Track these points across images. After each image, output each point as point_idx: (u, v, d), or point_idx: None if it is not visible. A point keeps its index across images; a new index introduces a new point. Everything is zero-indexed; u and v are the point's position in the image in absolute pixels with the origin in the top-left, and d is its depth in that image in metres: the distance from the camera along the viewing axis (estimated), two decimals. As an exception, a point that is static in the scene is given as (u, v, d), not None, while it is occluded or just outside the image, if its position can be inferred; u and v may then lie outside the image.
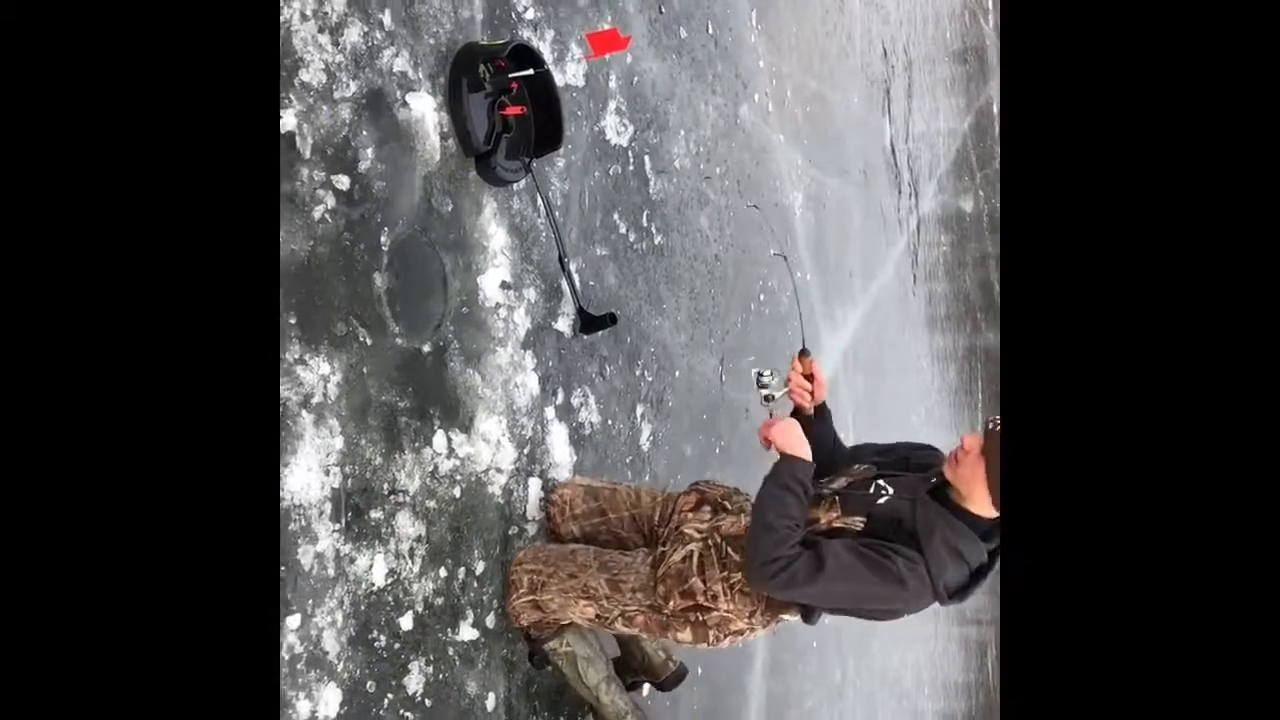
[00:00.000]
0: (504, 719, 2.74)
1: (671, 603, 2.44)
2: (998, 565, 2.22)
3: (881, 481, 2.34)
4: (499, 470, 2.74)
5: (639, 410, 3.50)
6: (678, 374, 3.80)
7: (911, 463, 2.45)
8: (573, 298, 3.03)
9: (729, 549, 2.41)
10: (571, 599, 2.58)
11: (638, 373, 3.51)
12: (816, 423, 2.54)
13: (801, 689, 5.30)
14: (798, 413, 2.55)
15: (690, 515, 2.56)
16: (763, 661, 4.68)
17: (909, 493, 2.28)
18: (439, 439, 2.52)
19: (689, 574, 2.41)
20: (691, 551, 2.43)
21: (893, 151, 7.16)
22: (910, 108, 7.92)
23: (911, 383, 7.96)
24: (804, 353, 2.54)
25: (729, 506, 2.57)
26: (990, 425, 2.14)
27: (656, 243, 3.68)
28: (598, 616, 2.56)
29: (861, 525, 2.28)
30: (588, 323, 3.10)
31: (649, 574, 2.48)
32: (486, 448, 2.69)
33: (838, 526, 2.30)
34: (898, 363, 7.21)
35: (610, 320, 3.12)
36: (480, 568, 2.65)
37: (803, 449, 2.33)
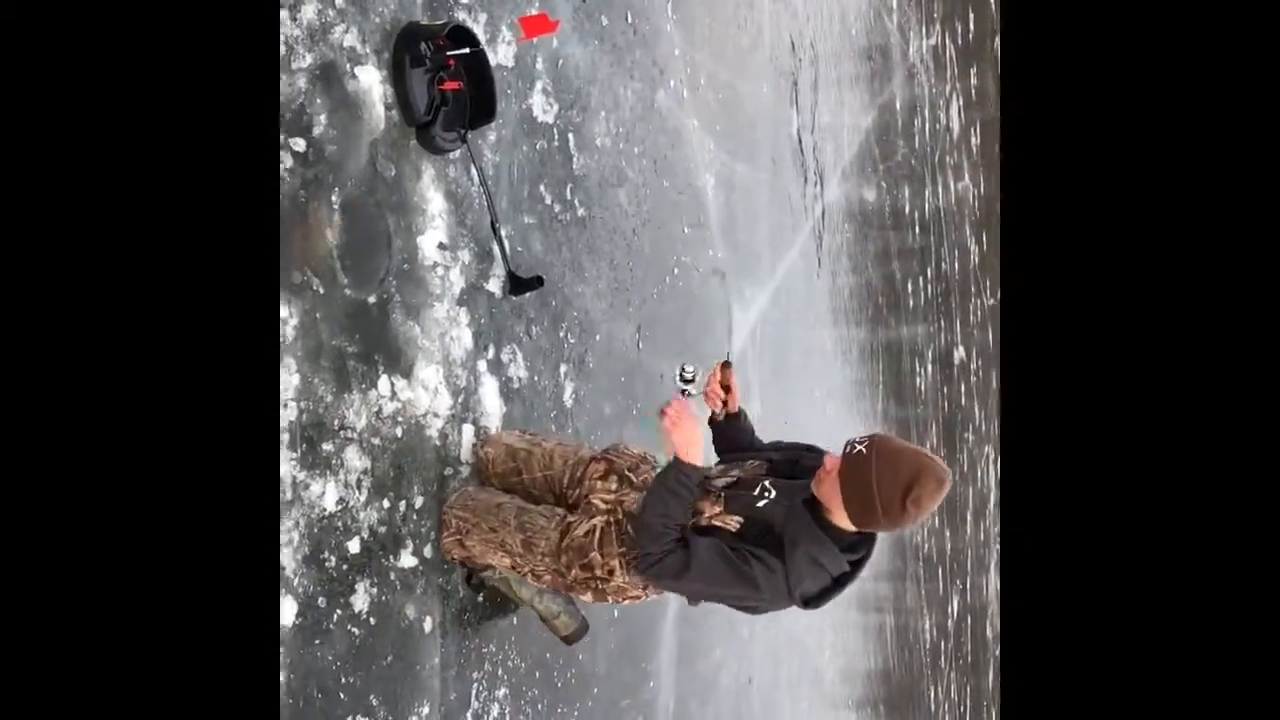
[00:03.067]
0: (440, 640, 3.00)
1: (573, 572, 2.66)
2: (860, 574, 2.42)
3: (768, 483, 2.46)
4: (436, 415, 2.99)
5: (562, 369, 3.79)
6: (598, 338, 4.09)
7: (800, 465, 2.55)
8: (503, 261, 3.30)
9: (630, 526, 2.59)
10: (491, 549, 2.84)
11: (561, 334, 3.79)
12: (730, 422, 2.77)
13: (710, 641, 5.66)
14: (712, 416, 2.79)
15: (599, 484, 2.75)
16: (675, 612, 5.01)
17: (787, 499, 2.41)
18: (383, 383, 2.76)
19: (589, 549, 2.62)
20: (595, 526, 2.63)
21: (799, 141, 7.59)
22: (816, 100, 8.36)
23: (815, 362, 8.42)
24: (726, 364, 2.75)
25: (634, 480, 2.72)
26: (849, 449, 2.30)
27: (579, 215, 3.96)
28: (512, 567, 2.82)
29: (738, 526, 2.42)
30: (516, 284, 3.37)
31: (555, 543, 2.68)
32: (425, 394, 2.94)
33: (716, 524, 2.44)
34: (802, 342, 7.65)
35: (537, 283, 3.40)
36: (419, 502, 2.90)
37: (695, 452, 2.44)
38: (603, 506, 2.70)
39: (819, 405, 8.07)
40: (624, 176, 4.43)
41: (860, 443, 2.30)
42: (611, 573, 2.63)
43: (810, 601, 2.38)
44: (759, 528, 2.41)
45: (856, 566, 2.40)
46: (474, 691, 3.20)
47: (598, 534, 2.66)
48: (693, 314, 5.07)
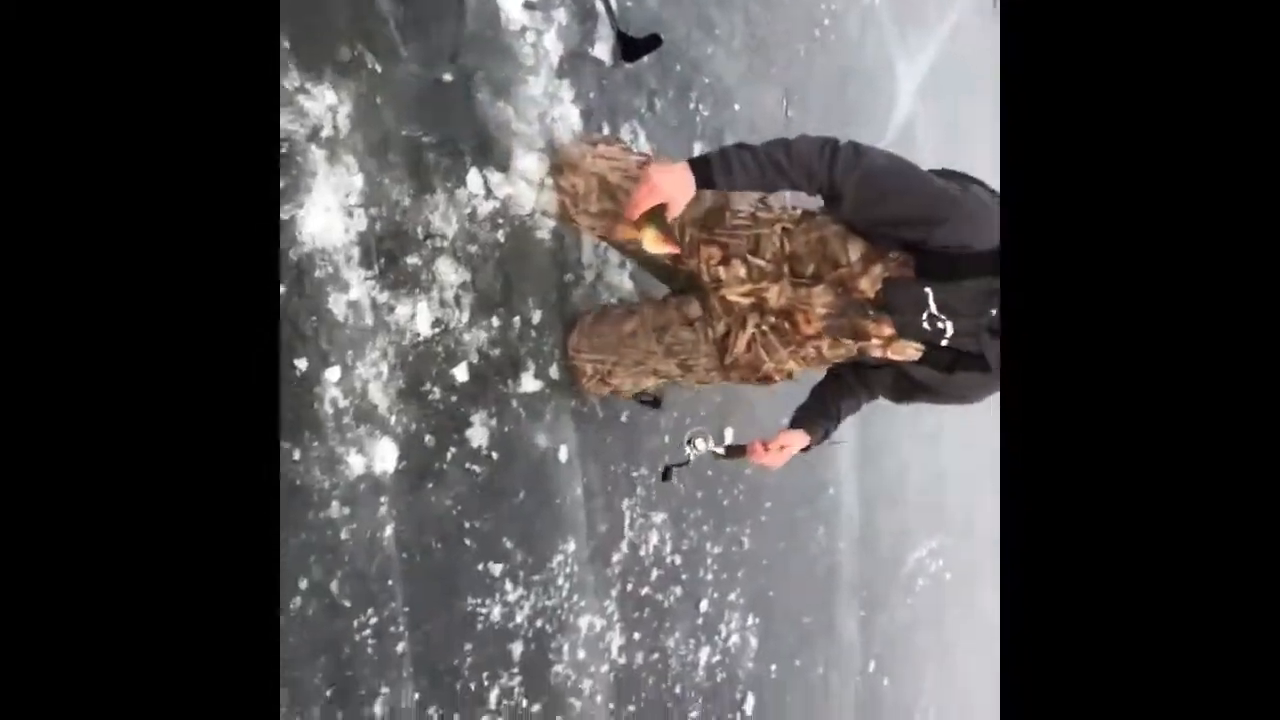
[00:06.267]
0: (580, 469, 2.65)
1: (748, 381, 2.36)
2: None
3: (933, 305, 1.89)
4: (545, 214, 2.52)
5: (696, 147, 3.22)
6: (737, 108, 3.48)
7: (952, 254, 1.86)
8: (609, 18, 2.71)
9: (785, 323, 2.19)
10: (643, 377, 2.50)
11: (691, 106, 3.20)
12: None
13: (895, 436, 5.19)
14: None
15: (722, 272, 2.20)
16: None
17: (970, 329, 1.89)
18: (473, 179, 2.30)
19: (759, 361, 2.28)
20: (753, 337, 2.25)
21: None
22: None
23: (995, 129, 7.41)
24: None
25: (764, 264, 2.15)
26: None
27: (702, -42, 3.29)
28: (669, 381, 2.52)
29: (919, 356, 2.01)
30: (629, 47, 2.79)
31: (717, 361, 2.33)
32: (529, 189, 2.46)
33: (893, 358, 2.05)
34: (980, 93, 6.66)
35: (654, 42, 2.80)
36: (537, 317, 2.49)
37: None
38: (745, 303, 2.23)
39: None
40: (754, -90, 3.67)
41: None
42: (790, 374, 2.32)
43: None
44: (941, 352, 1.98)
45: None
46: (627, 521, 2.86)
47: (759, 345, 2.26)
48: (851, 72, 4.34)
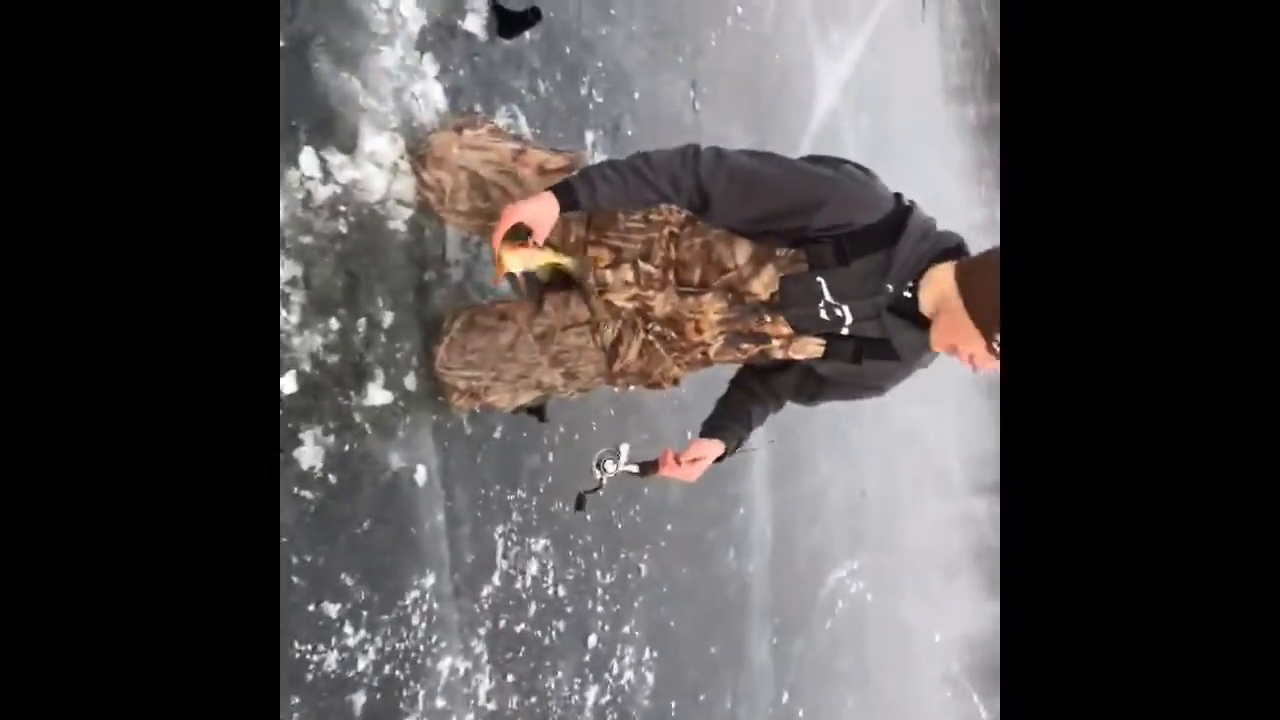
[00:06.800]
0: (443, 492, 2.35)
1: (636, 387, 2.22)
2: None
3: (828, 293, 1.77)
4: (402, 203, 2.22)
5: (589, 137, 2.95)
6: (636, 96, 3.21)
7: (856, 234, 1.74)
8: (483, -13, 2.43)
9: (670, 332, 2.03)
10: (524, 393, 2.25)
11: (583, 91, 2.92)
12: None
13: (813, 452, 4.95)
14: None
15: (609, 275, 2.01)
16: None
17: (869, 311, 1.78)
18: (307, 159, 1.99)
19: (649, 370, 2.14)
20: (645, 342, 2.10)
21: None
22: None
23: (923, 129, 7.26)
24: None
25: (654, 269, 1.97)
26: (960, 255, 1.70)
27: (597, -70, 3.01)
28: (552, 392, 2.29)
29: (822, 350, 1.87)
30: (506, 21, 2.50)
31: (605, 367, 2.15)
32: (379, 173, 2.16)
33: (795, 357, 1.91)
34: (907, 98, 6.49)
35: (533, 17, 2.53)
36: (389, 319, 2.18)
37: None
38: (629, 308, 2.04)
39: (930, 183, 7.00)
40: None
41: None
42: (677, 381, 2.17)
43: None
44: (844, 343, 1.86)
45: None
46: (500, 550, 2.56)
47: (649, 352, 2.12)
48: (765, 64, 4.09)
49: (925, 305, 1.75)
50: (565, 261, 2.04)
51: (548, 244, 1.97)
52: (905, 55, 6.40)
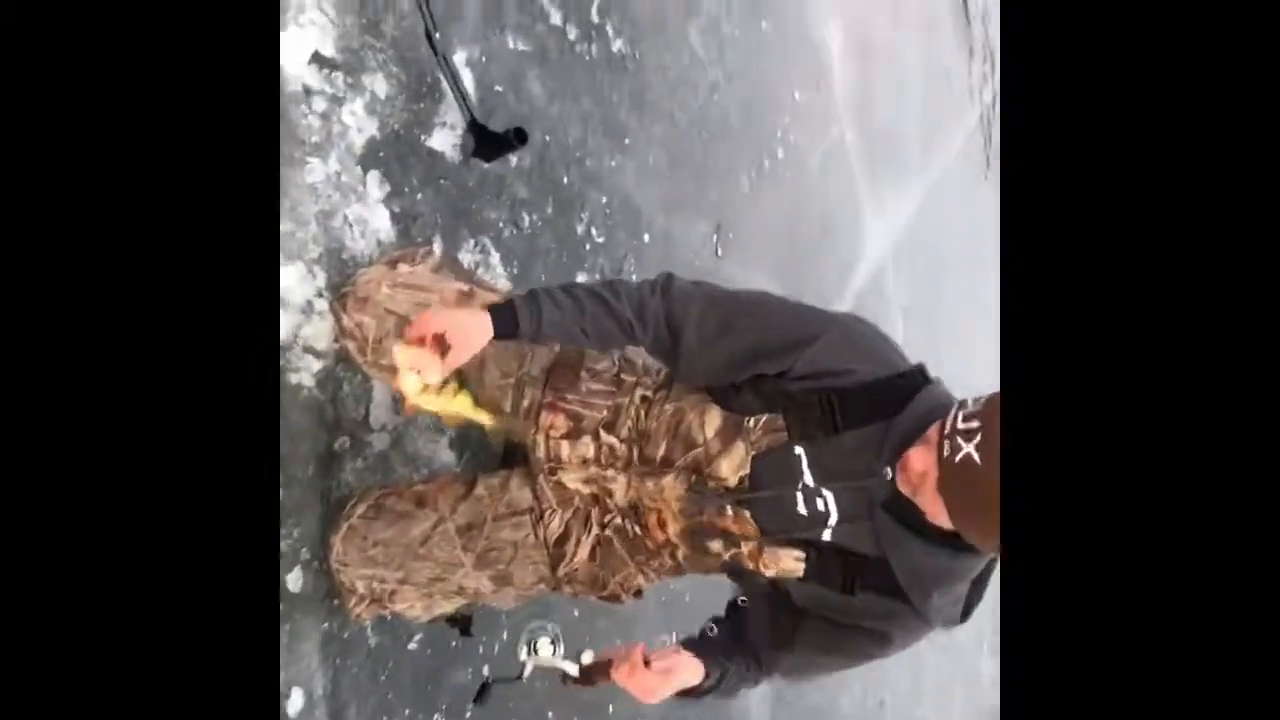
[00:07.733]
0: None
1: (586, 597, 1.79)
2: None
3: (808, 473, 1.39)
4: (311, 351, 1.76)
5: (580, 280, 2.49)
6: (647, 238, 2.77)
7: (851, 401, 1.40)
8: (459, 101, 2.01)
9: (632, 526, 1.66)
10: (440, 599, 1.77)
11: (580, 229, 2.49)
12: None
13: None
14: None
15: (565, 448, 1.60)
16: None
17: (860, 507, 1.39)
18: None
19: (603, 576, 1.72)
20: (598, 540, 1.70)
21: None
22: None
23: (979, 300, 6.77)
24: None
25: (616, 444, 1.58)
26: (949, 443, 1.23)
27: (615, 50, 2.62)
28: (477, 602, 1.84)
29: (802, 568, 1.45)
30: (483, 141, 2.08)
31: (548, 571, 1.71)
32: (284, 313, 1.72)
33: (765, 571, 1.49)
34: (962, 262, 6.03)
35: (516, 139, 2.10)
36: (284, 497, 1.71)
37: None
38: (585, 492, 1.66)
39: (979, 358, 6.47)
40: (696, 5, 3.05)
41: (966, 427, 1.21)
42: (639, 593, 1.76)
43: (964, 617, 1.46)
44: (830, 560, 1.43)
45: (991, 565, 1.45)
46: (398, 794, 2.00)
47: (600, 553, 1.69)
48: (804, 213, 3.67)
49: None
50: (483, 418, 1.61)
51: (465, 388, 1.58)
52: (964, 216, 5.99)
